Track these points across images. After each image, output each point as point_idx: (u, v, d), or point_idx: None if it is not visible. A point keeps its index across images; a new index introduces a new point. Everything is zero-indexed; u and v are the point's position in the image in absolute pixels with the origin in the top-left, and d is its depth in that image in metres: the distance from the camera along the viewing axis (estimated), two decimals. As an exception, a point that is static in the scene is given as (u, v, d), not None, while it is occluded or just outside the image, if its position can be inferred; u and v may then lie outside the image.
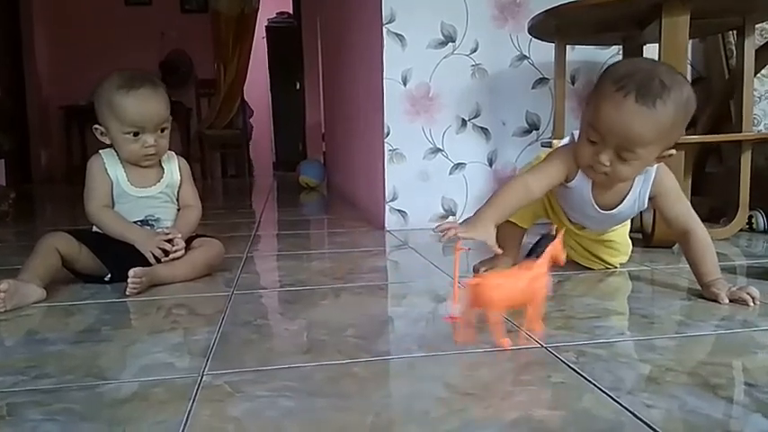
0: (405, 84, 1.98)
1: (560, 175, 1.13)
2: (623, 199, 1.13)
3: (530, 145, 2.08)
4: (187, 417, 0.60)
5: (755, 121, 2.01)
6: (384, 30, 1.95)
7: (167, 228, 1.29)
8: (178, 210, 1.36)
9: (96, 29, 6.24)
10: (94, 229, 1.29)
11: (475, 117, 2.03)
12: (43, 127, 5.84)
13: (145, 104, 1.24)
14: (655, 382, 0.67)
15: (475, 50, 2.00)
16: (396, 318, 0.98)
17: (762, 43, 1.95)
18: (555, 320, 0.92)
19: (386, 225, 2.01)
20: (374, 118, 2.13)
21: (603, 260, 1.30)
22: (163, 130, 1.29)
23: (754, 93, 1.93)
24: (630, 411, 0.59)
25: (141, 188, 1.30)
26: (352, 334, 0.87)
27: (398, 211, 2.02)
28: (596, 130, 1.02)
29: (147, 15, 6.37)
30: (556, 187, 1.16)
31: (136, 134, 1.25)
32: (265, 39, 6.58)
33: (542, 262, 0.85)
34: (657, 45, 1.48)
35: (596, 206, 1.14)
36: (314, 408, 0.62)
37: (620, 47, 1.95)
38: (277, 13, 6.71)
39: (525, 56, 2.04)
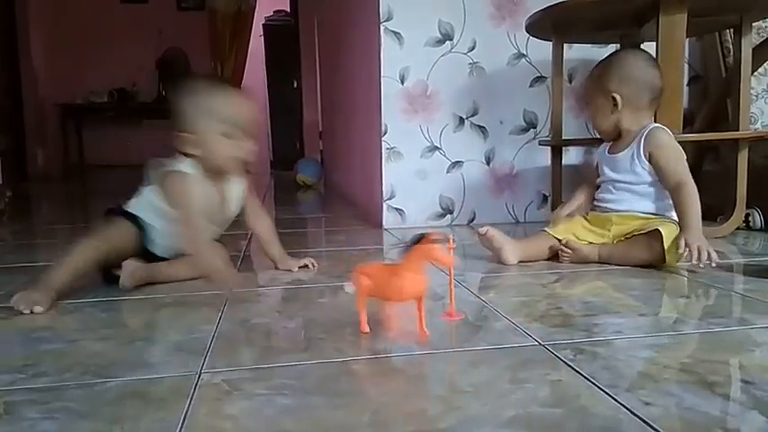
0: (402, 82, 1.98)
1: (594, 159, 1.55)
2: (626, 146, 1.39)
3: (527, 143, 2.08)
4: (185, 415, 0.60)
5: (752, 120, 2.02)
6: (381, 28, 1.95)
7: None
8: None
9: (92, 27, 6.24)
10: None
11: (472, 115, 2.03)
12: (39, 125, 5.82)
13: (243, 105, 1.21)
14: (652, 379, 0.67)
15: (472, 49, 2.00)
16: (393, 316, 0.98)
17: (759, 41, 1.95)
18: (553, 318, 0.92)
19: (383, 223, 2.01)
20: (372, 116, 2.13)
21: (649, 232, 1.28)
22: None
23: (751, 91, 1.93)
24: (628, 409, 0.59)
25: (220, 211, 1.26)
26: (350, 332, 0.87)
27: (396, 209, 2.02)
28: None
29: (143, 13, 6.37)
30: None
31: (234, 136, 1.19)
32: (262, 37, 6.57)
33: (408, 260, 0.81)
34: (655, 43, 1.48)
35: (607, 153, 1.45)
36: (312, 406, 0.62)
37: (618, 45, 1.95)
38: (274, 12, 6.69)
39: (523, 54, 2.04)
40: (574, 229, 1.40)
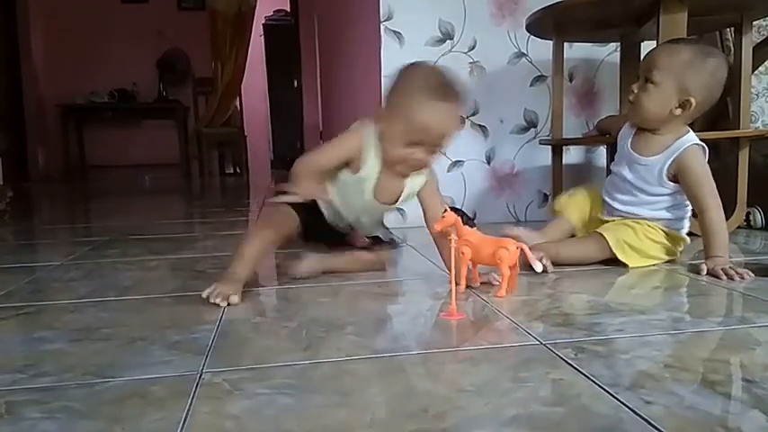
0: (403, 81, 1.97)
1: (619, 122, 1.46)
2: (655, 154, 1.30)
3: (528, 142, 2.08)
4: (186, 414, 0.60)
5: (753, 118, 2.02)
6: (382, 27, 1.95)
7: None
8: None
9: (93, 27, 6.24)
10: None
11: (473, 115, 2.03)
12: (40, 125, 5.83)
13: (444, 123, 1.06)
14: (653, 378, 0.67)
15: (473, 48, 2.00)
16: (394, 315, 0.98)
17: (759, 40, 1.95)
18: (553, 317, 0.92)
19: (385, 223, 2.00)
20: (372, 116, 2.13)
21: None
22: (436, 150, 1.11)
23: (752, 90, 1.93)
24: (629, 407, 0.59)
25: (382, 204, 1.19)
26: (351, 331, 0.87)
27: (397, 208, 2.01)
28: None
29: (143, 13, 6.37)
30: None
31: (418, 145, 1.07)
32: (263, 37, 6.58)
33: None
34: (655, 42, 1.48)
35: (632, 151, 1.34)
36: (313, 405, 0.62)
37: (618, 44, 1.95)
38: (274, 11, 6.70)
39: (523, 53, 2.04)
40: (584, 213, 1.46)
